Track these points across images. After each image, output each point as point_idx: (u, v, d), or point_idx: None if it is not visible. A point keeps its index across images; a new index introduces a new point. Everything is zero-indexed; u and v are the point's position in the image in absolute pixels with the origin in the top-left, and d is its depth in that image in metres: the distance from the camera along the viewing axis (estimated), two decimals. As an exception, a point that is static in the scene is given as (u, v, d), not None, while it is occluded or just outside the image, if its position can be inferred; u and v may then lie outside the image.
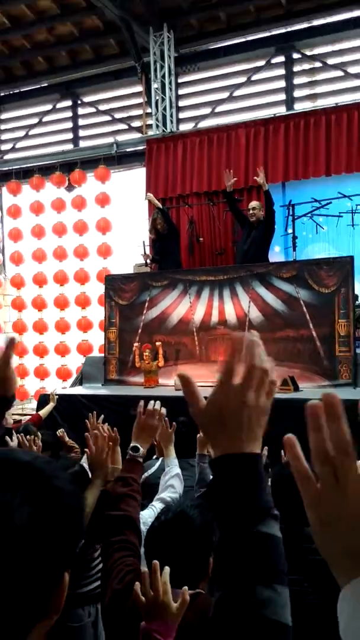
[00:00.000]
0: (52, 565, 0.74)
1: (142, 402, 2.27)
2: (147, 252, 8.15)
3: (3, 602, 0.69)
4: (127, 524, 1.87)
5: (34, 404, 8.73)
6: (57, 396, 6.23)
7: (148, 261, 8.07)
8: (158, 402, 2.26)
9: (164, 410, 2.29)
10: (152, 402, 2.25)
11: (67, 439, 5.02)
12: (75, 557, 0.80)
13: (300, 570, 2.11)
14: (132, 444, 2.18)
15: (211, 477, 2.72)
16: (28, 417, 6.55)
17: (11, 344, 1.42)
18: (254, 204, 7.40)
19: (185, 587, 1.46)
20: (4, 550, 0.68)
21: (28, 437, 4.53)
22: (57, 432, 5.13)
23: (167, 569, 1.48)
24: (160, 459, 3.72)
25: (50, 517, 0.73)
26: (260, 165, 7.58)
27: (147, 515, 2.53)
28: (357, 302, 6.75)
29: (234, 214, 7.68)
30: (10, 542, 0.69)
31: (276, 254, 8.19)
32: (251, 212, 7.31)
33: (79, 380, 7.99)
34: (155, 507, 2.64)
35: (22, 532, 0.70)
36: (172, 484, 2.89)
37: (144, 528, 2.43)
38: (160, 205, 7.95)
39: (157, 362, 6.88)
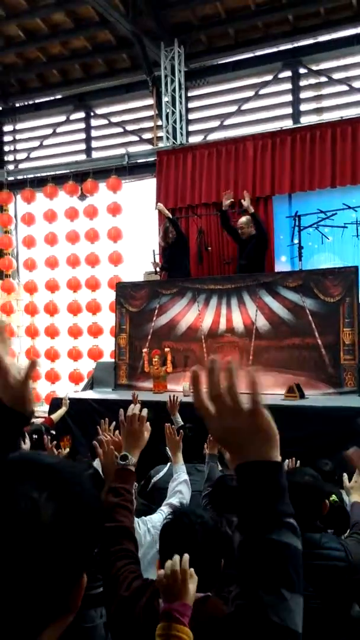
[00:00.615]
0: (74, 562, 0.76)
1: (121, 410, 2.20)
2: (157, 260, 8.37)
3: (23, 597, 0.71)
4: (122, 534, 1.86)
5: (45, 407, 8.94)
6: (69, 401, 6.42)
7: (158, 269, 8.27)
8: (138, 406, 2.19)
9: (145, 412, 2.19)
10: (131, 406, 2.18)
11: None
12: (93, 558, 0.82)
13: (305, 575, 2.22)
14: (121, 453, 2.14)
15: (218, 475, 2.97)
16: (41, 420, 6.76)
17: (32, 366, 1.44)
18: (242, 221, 7.56)
19: (192, 569, 1.52)
20: (31, 545, 0.71)
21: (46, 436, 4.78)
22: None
23: (186, 555, 1.52)
24: (169, 463, 3.85)
25: (73, 516, 0.76)
26: (248, 190, 7.92)
27: (156, 520, 2.64)
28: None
29: (227, 231, 7.89)
30: (37, 537, 0.72)
31: (282, 263, 8.38)
32: (240, 231, 7.49)
33: (90, 385, 8.19)
34: (164, 511, 2.70)
35: (47, 528, 0.73)
36: (180, 489, 2.99)
37: (154, 532, 2.54)
38: (170, 215, 8.15)
39: (166, 367, 7.06)
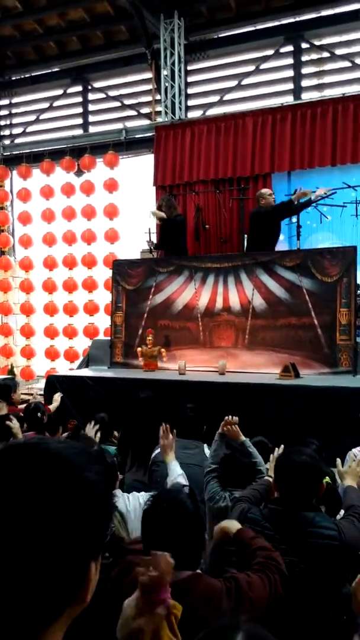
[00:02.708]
0: (80, 550, 0.77)
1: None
2: (154, 239, 8.23)
3: (30, 588, 0.73)
4: None
5: (41, 383, 8.96)
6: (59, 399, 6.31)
7: (152, 248, 8.14)
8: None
9: None
10: None
11: None
12: (100, 547, 0.83)
13: (297, 552, 2.23)
14: None
15: (224, 454, 2.95)
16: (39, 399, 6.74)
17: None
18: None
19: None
20: (35, 537, 0.73)
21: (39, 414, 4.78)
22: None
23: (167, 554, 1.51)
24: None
25: (78, 508, 0.77)
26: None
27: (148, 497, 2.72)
28: (358, 291, 6.89)
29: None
30: (40, 527, 0.73)
31: (280, 242, 8.29)
32: (271, 198, 7.29)
33: (86, 363, 8.17)
34: None
35: (51, 519, 0.74)
36: (178, 481, 3.04)
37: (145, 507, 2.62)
38: (164, 215, 7.82)
39: (160, 349, 6.98)
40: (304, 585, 2.21)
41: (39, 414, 4.84)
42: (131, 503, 2.90)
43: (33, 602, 0.73)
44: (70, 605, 0.78)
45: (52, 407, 6.07)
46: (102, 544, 0.83)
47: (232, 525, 2.26)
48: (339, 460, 3.08)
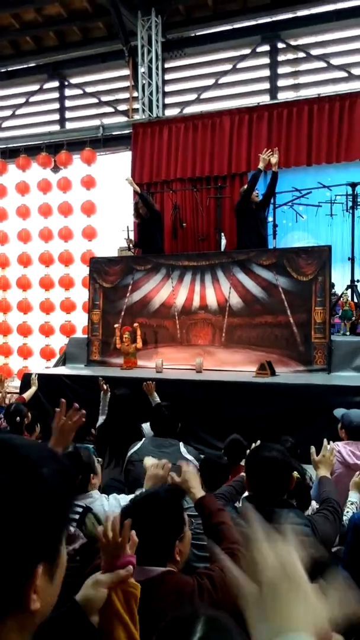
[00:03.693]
0: (25, 552, 0.74)
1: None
2: (131, 237, 8.27)
3: None
4: None
5: (17, 382, 8.89)
6: (37, 381, 6.33)
7: (131, 246, 8.18)
8: None
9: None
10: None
11: None
12: (53, 550, 0.80)
13: None
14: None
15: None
16: (14, 398, 6.69)
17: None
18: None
19: (133, 532, 1.50)
20: None
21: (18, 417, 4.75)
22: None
23: (128, 520, 1.48)
24: (143, 439, 3.93)
25: (30, 502, 0.75)
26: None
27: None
28: (333, 290, 6.99)
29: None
30: None
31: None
32: (253, 194, 7.16)
33: (63, 361, 8.13)
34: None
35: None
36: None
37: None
38: (138, 189, 7.89)
39: (136, 344, 7.03)
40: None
41: (17, 418, 4.80)
42: (110, 504, 2.89)
43: None
44: (13, 609, 0.73)
45: (26, 395, 6.04)
46: (54, 546, 0.80)
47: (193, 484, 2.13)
48: (313, 449, 3.09)
